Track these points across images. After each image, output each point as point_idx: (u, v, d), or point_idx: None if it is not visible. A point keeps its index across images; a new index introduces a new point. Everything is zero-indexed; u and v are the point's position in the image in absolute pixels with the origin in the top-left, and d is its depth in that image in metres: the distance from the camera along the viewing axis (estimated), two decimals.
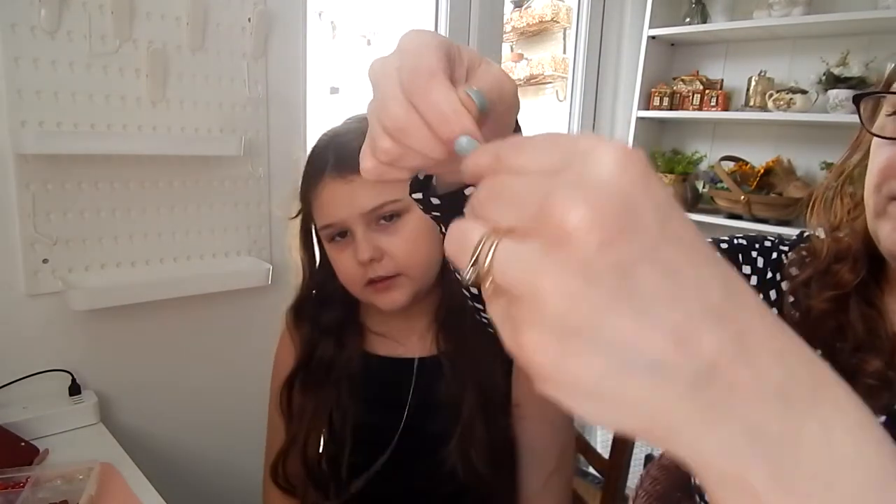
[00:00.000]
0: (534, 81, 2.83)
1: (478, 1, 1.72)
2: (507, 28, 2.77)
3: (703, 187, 2.19)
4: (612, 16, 2.24)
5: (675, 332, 0.21)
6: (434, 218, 0.47)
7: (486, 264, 0.23)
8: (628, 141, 2.17)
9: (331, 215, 0.78)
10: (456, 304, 0.82)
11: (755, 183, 1.95)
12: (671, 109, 2.11)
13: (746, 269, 0.62)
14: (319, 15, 2.01)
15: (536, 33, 2.84)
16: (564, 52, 2.71)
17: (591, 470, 1.16)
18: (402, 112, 0.31)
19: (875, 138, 0.52)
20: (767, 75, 1.96)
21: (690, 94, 2.08)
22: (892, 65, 0.54)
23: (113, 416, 1.17)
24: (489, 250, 0.23)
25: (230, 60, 1.21)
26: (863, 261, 0.56)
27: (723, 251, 0.63)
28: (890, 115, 0.51)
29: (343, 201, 0.77)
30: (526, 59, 2.84)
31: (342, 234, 0.80)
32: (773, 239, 0.65)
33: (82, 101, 1.05)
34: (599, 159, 0.21)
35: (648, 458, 2.19)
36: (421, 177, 0.44)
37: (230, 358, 1.33)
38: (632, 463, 1.11)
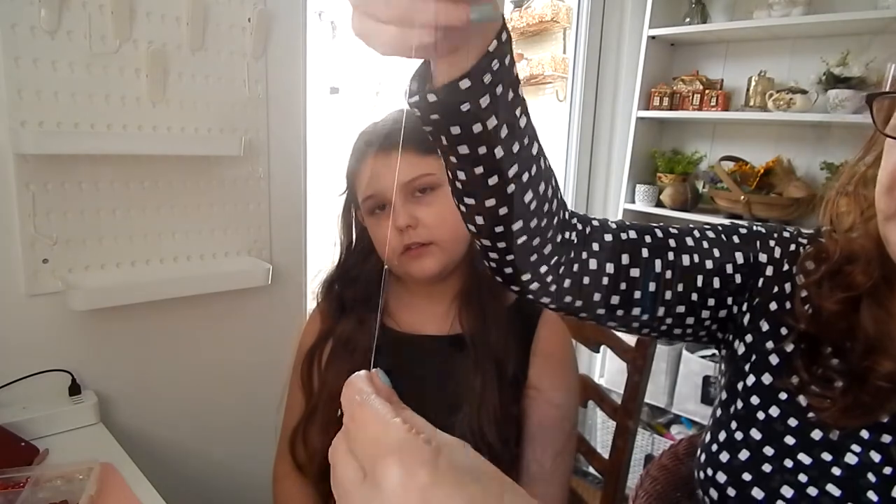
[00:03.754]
0: (534, 81, 2.83)
1: None
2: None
3: (703, 187, 2.19)
4: (612, 16, 2.24)
5: None
6: (431, 131, 0.49)
7: None
8: (628, 141, 2.18)
9: (374, 186, 0.87)
10: (480, 287, 0.89)
11: (755, 183, 1.95)
12: (671, 109, 2.11)
13: (763, 258, 0.62)
14: (319, 15, 2.01)
15: (536, 33, 2.83)
16: (564, 52, 2.70)
17: (591, 470, 1.17)
18: None
19: (888, 140, 0.51)
20: (767, 75, 1.96)
21: (690, 94, 2.08)
22: (892, 65, 0.53)
23: (113, 416, 1.17)
24: None
25: (230, 60, 1.21)
26: (876, 263, 0.55)
27: (741, 236, 0.63)
28: None
29: (386, 173, 0.86)
30: (526, 59, 2.84)
31: (381, 206, 0.87)
32: (791, 231, 0.64)
33: (82, 101, 1.05)
34: (384, 488, 0.28)
35: (648, 458, 2.19)
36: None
37: (230, 358, 1.33)
38: (632, 463, 1.11)
